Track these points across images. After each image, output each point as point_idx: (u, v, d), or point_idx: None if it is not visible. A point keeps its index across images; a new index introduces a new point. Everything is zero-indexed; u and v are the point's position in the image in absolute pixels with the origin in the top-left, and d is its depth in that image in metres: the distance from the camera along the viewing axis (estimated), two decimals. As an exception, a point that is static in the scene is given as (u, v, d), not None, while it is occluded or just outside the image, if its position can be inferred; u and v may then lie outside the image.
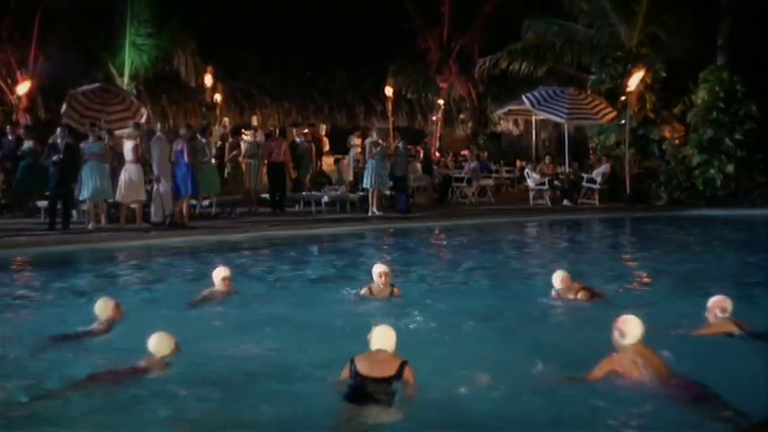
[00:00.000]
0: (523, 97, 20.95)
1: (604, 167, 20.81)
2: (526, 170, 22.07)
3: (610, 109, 20.45)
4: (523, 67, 24.13)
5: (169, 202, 14.21)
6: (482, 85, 27.64)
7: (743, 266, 10.74)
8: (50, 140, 13.76)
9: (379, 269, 7.71)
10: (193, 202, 15.61)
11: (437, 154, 25.87)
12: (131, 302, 7.54)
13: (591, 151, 23.17)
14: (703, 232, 16.06)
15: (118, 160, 14.14)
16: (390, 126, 21.25)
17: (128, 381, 5.06)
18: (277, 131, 20.29)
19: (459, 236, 14.86)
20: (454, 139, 29.84)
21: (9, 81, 20.61)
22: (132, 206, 14.38)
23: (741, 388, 4.81)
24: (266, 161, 17.56)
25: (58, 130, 13.74)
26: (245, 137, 18.95)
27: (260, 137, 18.14)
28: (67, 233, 13.14)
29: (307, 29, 27.13)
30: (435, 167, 23.06)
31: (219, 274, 7.71)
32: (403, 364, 4.71)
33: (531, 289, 8.70)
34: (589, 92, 21.56)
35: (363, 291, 7.73)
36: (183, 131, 14.94)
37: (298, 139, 19.98)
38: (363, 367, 4.64)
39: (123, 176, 13.87)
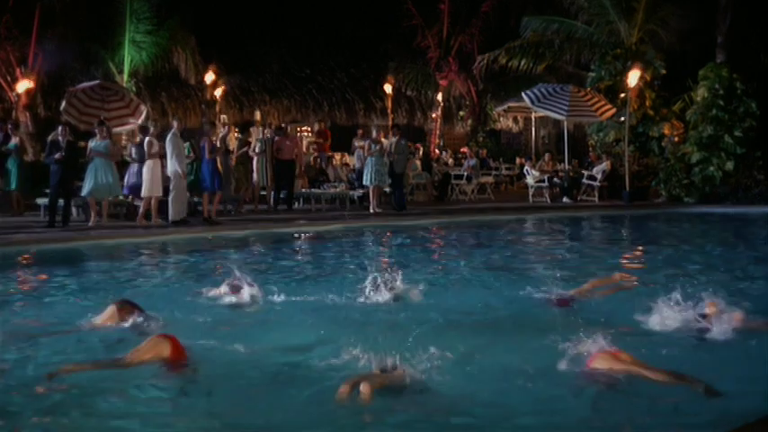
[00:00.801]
0: (523, 94, 20.97)
1: (604, 165, 20.84)
2: (525, 167, 22.10)
3: (609, 106, 20.49)
4: (522, 64, 24.16)
5: (184, 200, 14.35)
6: (481, 83, 27.68)
7: (740, 263, 10.73)
8: (51, 138, 13.76)
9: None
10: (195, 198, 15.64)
11: (437, 151, 25.91)
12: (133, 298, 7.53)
13: (590, 148, 23.19)
14: (702, 229, 16.09)
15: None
16: (389, 123, 21.30)
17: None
18: (288, 128, 20.24)
19: (458, 233, 14.86)
20: (454, 136, 29.88)
21: (9, 78, 20.62)
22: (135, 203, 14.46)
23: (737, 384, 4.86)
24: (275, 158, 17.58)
25: (60, 127, 13.73)
26: (238, 134, 18.94)
27: (268, 133, 17.96)
28: (67, 230, 13.15)
29: (306, 26, 27.15)
30: (435, 165, 23.10)
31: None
32: None
33: (529, 285, 8.71)
34: (588, 89, 21.58)
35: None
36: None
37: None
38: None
39: (144, 172, 14.10)
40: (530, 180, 21.15)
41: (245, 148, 17.36)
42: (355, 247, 12.94)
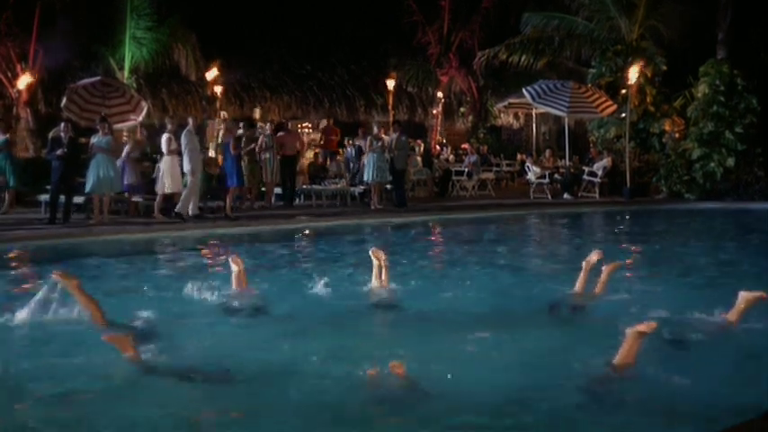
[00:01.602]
0: (524, 91, 20.96)
1: (605, 161, 20.84)
2: (526, 164, 22.10)
3: (610, 102, 20.47)
4: (523, 60, 24.14)
5: (197, 196, 14.42)
6: (482, 79, 27.67)
7: (741, 259, 10.75)
8: (53, 134, 13.76)
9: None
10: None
11: (437, 147, 25.91)
12: (132, 297, 7.56)
13: (591, 145, 23.18)
14: (703, 225, 16.11)
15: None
16: (390, 120, 21.29)
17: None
18: (289, 124, 20.26)
19: (459, 229, 14.87)
20: (454, 132, 29.88)
21: (9, 75, 20.61)
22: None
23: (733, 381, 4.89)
24: (280, 154, 17.59)
25: (62, 124, 13.73)
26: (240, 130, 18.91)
27: (268, 130, 17.95)
28: (68, 226, 13.15)
29: (306, 22, 27.13)
30: (436, 161, 23.10)
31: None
32: None
33: (529, 282, 8.75)
34: (589, 85, 21.58)
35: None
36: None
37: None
38: None
39: (162, 168, 14.22)
40: (530, 176, 21.16)
41: (252, 145, 17.35)
42: (358, 242, 12.98)
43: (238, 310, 6.96)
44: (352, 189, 18.30)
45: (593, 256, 7.41)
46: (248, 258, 9.11)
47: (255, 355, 5.61)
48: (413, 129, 26.98)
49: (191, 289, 7.51)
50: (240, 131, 16.15)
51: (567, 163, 21.71)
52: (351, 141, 20.44)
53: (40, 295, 6.33)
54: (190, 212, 14.24)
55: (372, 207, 16.99)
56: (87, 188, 13.72)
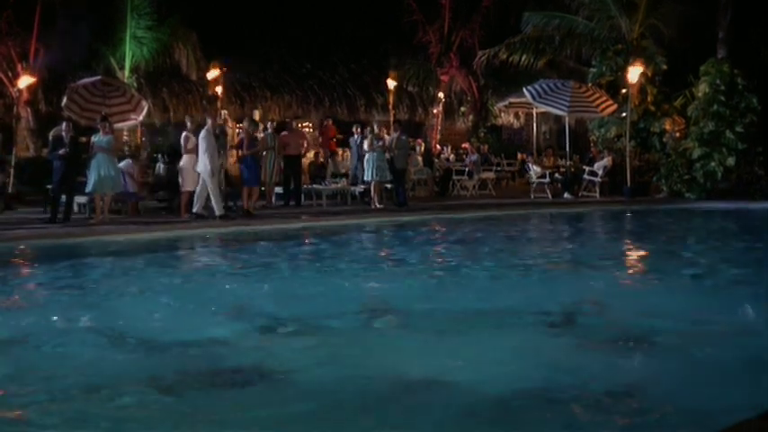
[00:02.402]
0: (524, 90, 20.96)
1: (605, 160, 20.83)
2: (527, 163, 22.09)
3: (610, 102, 20.47)
4: (523, 59, 24.14)
5: (219, 196, 14.44)
6: (482, 78, 27.67)
7: (742, 258, 10.75)
8: (54, 134, 13.76)
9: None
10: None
11: (438, 147, 25.91)
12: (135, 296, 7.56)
13: (591, 144, 23.19)
14: (703, 224, 16.12)
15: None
16: (391, 119, 21.28)
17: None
18: (294, 123, 20.22)
19: (460, 228, 14.87)
20: (455, 131, 29.86)
21: (10, 74, 20.60)
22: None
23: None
24: (284, 154, 17.56)
25: (63, 123, 13.73)
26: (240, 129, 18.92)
27: (270, 129, 17.91)
28: (69, 226, 13.15)
29: (307, 21, 27.12)
30: (436, 160, 23.09)
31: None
32: None
33: (530, 281, 8.77)
34: (590, 85, 21.57)
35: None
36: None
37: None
38: None
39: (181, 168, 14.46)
40: (531, 176, 21.16)
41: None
42: (360, 241, 13.02)
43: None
44: (352, 188, 18.30)
45: None
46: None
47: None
48: (413, 128, 26.98)
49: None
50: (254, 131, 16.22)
51: (568, 162, 21.71)
52: (357, 129, 20.03)
53: None
54: (216, 213, 14.23)
55: (373, 207, 17.00)
56: (88, 188, 13.73)
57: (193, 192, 14.37)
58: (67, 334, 6.24)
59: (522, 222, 16.25)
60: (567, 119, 21.60)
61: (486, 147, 25.89)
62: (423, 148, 23.04)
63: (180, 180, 14.64)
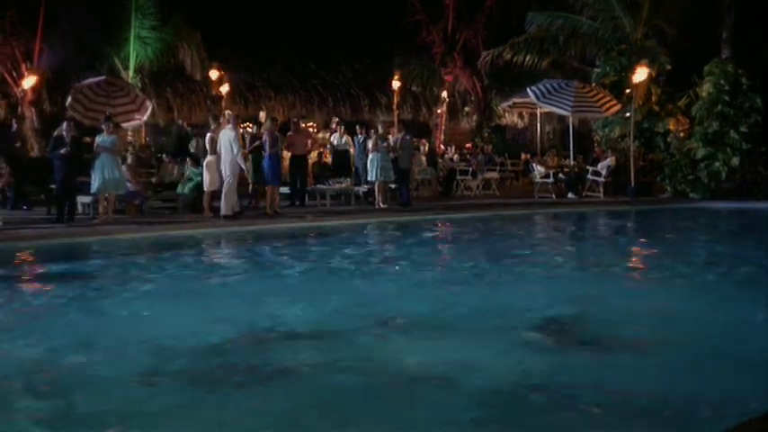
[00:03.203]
0: (528, 90, 20.95)
1: (609, 160, 20.81)
2: (531, 163, 22.08)
3: (614, 102, 20.46)
4: (527, 59, 24.12)
5: (233, 196, 14.50)
6: (486, 78, 27.66)
7: (744, 257, 10.75)
8: (56, 133, 13.78)
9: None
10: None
11: (442, 147, 25.90)
12: (136, 295, 7.58)
13: (595, 144, 23.17)
14: (707, 224, 16.10)
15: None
16: (395, 119, 21.28)
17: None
18: (300, 123, 20.21)
19: (464, 228, 14.88)
20: (459, 131, 29.86)
21: (14, 74, 20.63)
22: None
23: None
24: (290, 153, 17.57)
25: (65, 123, 13.75)
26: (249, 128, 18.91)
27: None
28: (73, 226, 13.17)
29: (310, 21, 27.14)
30: (440, 160, 23.08)
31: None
32: None
33: (532, 280, 8.78)
34: (593, 85, 21.55)
35: None
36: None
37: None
38: None
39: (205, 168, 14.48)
40: (535, 176, 21.14)
41: (257, 142, 17.36)
42: (365, 241, 13.02)
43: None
44: (356, 188, 18.31)
45: None
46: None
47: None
48: (417, 128, 26.97)
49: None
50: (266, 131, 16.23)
51: (572, 162, 21.69)
52: (362, 129, 20.02)
53: None
54: (222, 212, 14.26)
55: (377, 206, 17.01)
56: (93, 189, 13.74)
57: (215, 191, 14.44)
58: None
59: (527, 222, 16.24)
60: (570, 119, 21.58)
61: (490, 147, 25.90)
62: (426, 148, 23.03)
63: (205, 179, 14.61)
